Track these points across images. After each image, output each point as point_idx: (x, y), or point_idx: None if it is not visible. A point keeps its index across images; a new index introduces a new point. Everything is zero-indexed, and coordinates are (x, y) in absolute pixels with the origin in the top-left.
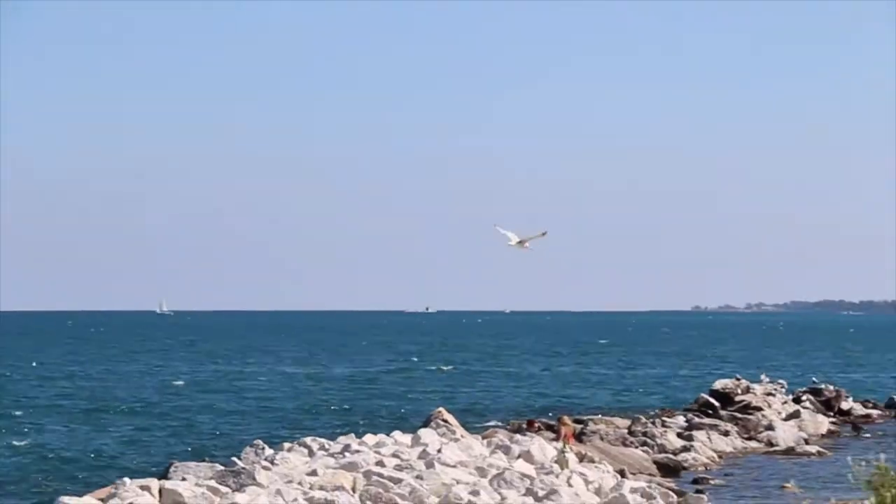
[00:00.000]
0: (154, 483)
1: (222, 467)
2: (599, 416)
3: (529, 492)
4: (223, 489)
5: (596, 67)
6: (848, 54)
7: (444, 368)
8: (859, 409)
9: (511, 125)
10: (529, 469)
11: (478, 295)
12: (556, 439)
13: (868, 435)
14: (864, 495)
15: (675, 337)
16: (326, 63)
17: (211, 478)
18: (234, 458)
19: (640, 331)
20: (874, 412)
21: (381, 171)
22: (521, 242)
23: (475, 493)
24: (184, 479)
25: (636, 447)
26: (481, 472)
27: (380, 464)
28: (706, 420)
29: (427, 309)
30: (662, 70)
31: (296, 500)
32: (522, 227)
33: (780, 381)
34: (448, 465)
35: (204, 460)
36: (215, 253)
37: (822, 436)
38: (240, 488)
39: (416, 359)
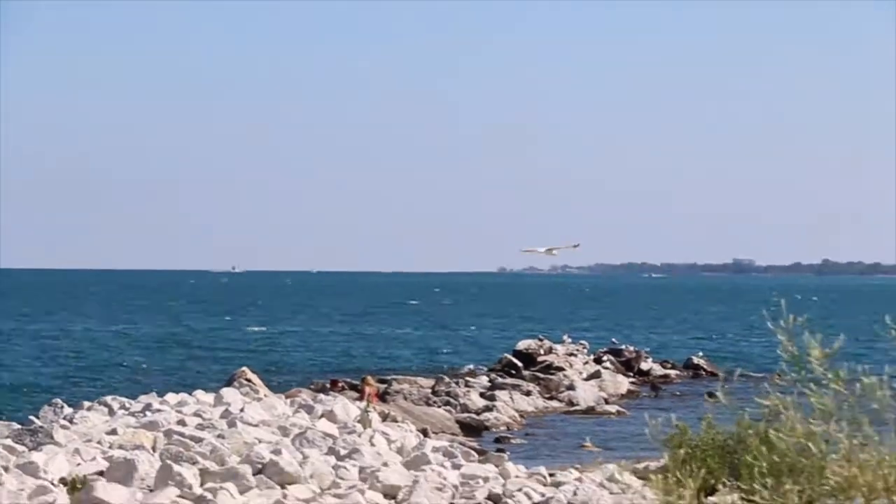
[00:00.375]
0: None
1: (19, 426)
2: (403, 375)
3: (332, 451)
4: (19, 448)
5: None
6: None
7: (254, 329)
8: (658, 370)
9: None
10: (332, 428)
11: (284, 254)
12: (360, 399)
13: (666, 394)
14: (659, 453)
15: (482, 297)
16: None
17: (7, 436)
18: (32, 417)
19: (447, 291)
20: (673, 372)
21: (177, 120)
22: (549, 250)
23: (277, 452)
24: None
25: (439, 407)
26: (283, 431)
27: (181, 423)
28: (509, 380)
29: (233, 268)
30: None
31: (94, 459)
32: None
33: (582, 342)
34: (250, 425)
35: (0, 419)
36: (6, 208)
37: (622, 396)
38: (37, 447)
39: (228, 318)
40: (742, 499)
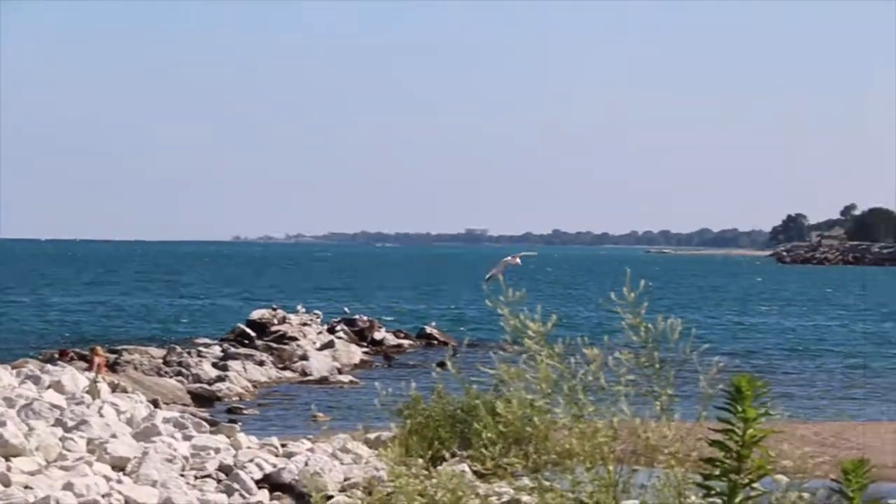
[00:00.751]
0: None
1: None
2: (135, 346)
3: (59, 422)
4: None
5: None
6: None
7: None
8: (392, 340)
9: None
10: (60, 399)
11: (9, 221)
12: (89, 369)
13: (400, 364)
14: (392, 423)
15: (217, 266)
16: None
17: None
18: None
19: (183, 260)
20: (406, 342)
21: None
22: (514, 258)
23: (1, 423)
24: None
25: (171, 377)
26: (9, 402)
27: None
28: (242, 350)
29: None
30: None
31: None
32: None
33: (316, 311)
34: None
35: None
36: None
37: (355, 365)
38: None
39: None
40: (472, 468)
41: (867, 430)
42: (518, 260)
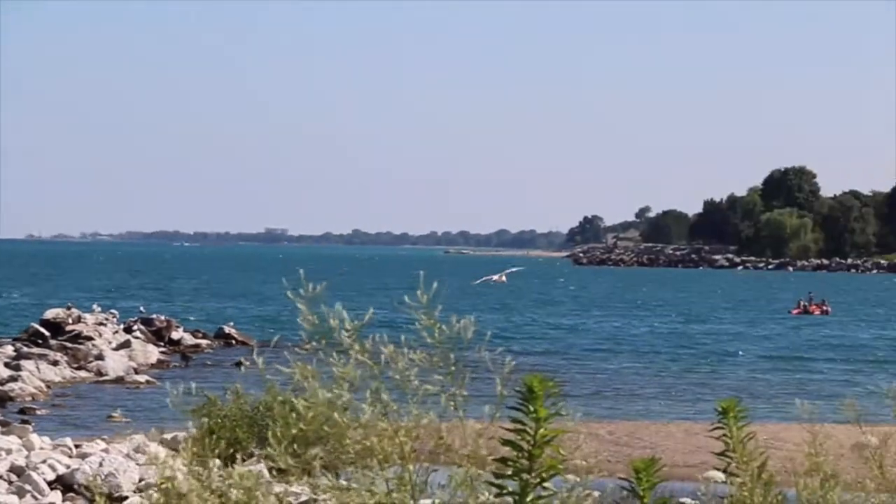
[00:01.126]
0: None
1: None
2: None
3: None
4: None
5: None
6: None
7: None
8: (189, 339)
9: None
10: None
11: None
12: None
13: (198, 364)
14: (188, 424)
15: (10, 265)
16: None
17: None
18: None
19: None
20: (204, 342)
21: None
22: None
23: None
24: None
25: None
26: None
27: None
28: (35, 350)
29: None
30: None
31: None
32: None
33: (113, 311)
34: None
35: None
36: None
37: (152, 365)
38: None
39: None
40: (269, 468)
41: (660, 429)
42: (504, 278)
